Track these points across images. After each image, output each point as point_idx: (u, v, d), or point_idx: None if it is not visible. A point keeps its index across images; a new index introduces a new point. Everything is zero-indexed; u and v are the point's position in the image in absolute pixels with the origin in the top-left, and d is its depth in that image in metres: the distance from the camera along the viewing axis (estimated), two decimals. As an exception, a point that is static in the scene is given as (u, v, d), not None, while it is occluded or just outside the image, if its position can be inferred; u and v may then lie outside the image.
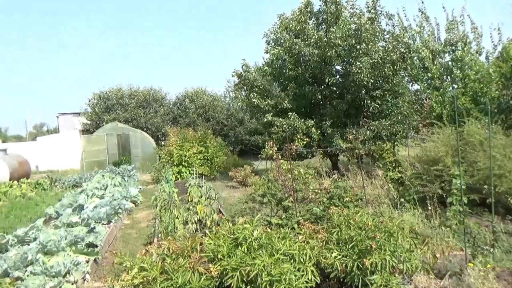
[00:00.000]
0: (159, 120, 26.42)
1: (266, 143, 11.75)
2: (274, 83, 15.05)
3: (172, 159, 15.73)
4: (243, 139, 25.54)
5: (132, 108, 26.42)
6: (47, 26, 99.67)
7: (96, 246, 6.31)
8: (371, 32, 12.14)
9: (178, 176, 15.28)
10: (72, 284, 4.90)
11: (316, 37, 12.52)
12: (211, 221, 6.68)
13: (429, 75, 14.06)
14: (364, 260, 3.44)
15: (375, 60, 11.64)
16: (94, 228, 7.03)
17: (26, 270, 5.08)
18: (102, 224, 7.91)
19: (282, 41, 13.77)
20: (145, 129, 25.28)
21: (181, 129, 18.91)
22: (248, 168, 13.67)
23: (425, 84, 14.36)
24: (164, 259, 3.89)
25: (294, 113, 12.72)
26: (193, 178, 12.56)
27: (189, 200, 8.67)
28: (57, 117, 33.80)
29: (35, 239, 6.31)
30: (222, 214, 7.75)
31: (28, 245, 5.99)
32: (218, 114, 27.37)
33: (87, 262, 5.58)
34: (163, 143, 19.05)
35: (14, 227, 7.91)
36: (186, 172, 15.38)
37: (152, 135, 24.59)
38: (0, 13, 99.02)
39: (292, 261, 3.66)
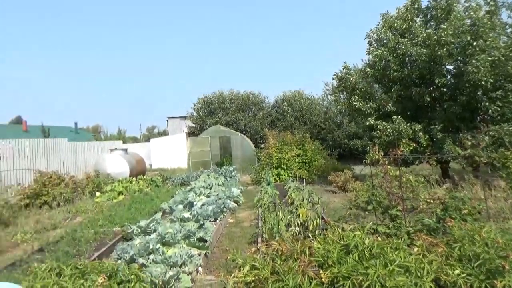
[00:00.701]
0: (258, 123, 27.25)
1: (368, 147, 11.37)
2: (376, 85, 14.44)
3: (271, 162, 16.13)
4: (341, 143, 24.98)
5: (233, 112, 27.74)
6: (161, 36, 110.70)
7: (206, 241, 6.78)
8: (489, 26, 10.94)
9: (277, 178, 15.59)
10: (188, 274, 5.32)
11: (425, 35, 11.71)
12: (314, 225, 6.68)
13: None
14: (495, 281, 3.10)
15: (496, 58, 10.47)
16: (203, 224, 7.56)
17: (148, 258, 5.66)
18: (210, 221, 8.45)
19: (385, 41, 13.18)
20: (244, 132, 26.31)
21: (279, 132, 19.26)
22: (348, 172, 13.32)
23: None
24: (273, 259, 4.00)
25: (399, 116, 12.04)
26: (292, 180, 12.70)
27: (290, 203, 8.78)
28: (167, 120, 37.27)
29: (154, 230, 7.03)
30: (324, 219, 7.68)
31: (149, 235, 6.69)
32: (316, 118, 27.16)
33: (199, 255, 6.02)
34: (262, 145, 19.62)
35: (135, 218, 8.90)
36: (284, 175, 15.61)
37: (250, 137, 25.48)
38: (125, 30, 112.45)
39: (407, 274, 3.47)
